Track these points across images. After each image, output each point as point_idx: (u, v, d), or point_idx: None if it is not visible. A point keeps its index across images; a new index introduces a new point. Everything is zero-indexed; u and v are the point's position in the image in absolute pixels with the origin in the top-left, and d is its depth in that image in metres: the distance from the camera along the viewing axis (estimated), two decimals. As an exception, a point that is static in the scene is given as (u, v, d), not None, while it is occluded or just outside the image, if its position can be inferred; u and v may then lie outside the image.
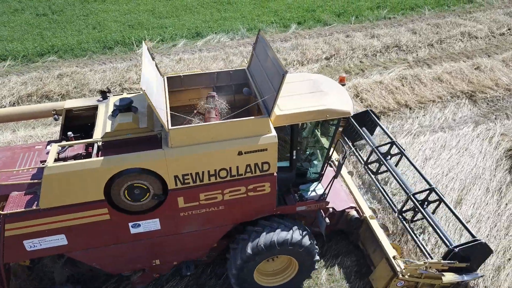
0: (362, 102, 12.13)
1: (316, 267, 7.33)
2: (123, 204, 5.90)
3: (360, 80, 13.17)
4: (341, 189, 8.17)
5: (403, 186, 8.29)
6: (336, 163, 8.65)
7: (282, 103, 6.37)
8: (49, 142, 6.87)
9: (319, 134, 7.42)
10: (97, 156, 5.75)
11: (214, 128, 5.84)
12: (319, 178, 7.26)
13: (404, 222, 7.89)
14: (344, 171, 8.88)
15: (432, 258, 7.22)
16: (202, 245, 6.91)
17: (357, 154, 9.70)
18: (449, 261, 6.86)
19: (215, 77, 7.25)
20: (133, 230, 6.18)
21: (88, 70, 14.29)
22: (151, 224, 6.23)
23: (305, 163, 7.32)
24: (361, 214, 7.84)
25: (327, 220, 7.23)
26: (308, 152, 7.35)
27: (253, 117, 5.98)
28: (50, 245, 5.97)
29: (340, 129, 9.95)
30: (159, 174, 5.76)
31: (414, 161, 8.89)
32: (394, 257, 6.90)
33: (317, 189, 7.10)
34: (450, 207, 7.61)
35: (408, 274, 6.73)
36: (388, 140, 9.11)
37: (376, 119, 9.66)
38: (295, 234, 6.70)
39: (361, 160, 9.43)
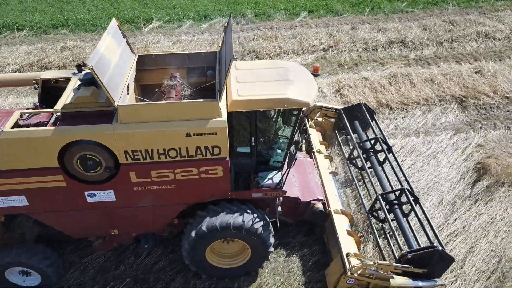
0: (341, 98, 11.70)
1: (269, 258, 7.42)
2: (77, 173, 6.19)
3: (347, 75, 12.68)
4: (312, 181, 8.15)
5: (373, 185, 8.08)
6: (317, 155, 8.78)
7: (243, 88, 6.47)
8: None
9: (281, 123, 7.30)
10: (53, 126, 6.00)
11: (163, 108, 5.92)
12: (280, 167, 7.19)
13: (371, 221, 7.66)
14: (323, 164, 8.70)
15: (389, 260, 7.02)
16: (157, 221, 7.12)
17: (342, 148, 9.41)
18: (402, 265, 6.60)
19: (186, 58, 7.41)
20: (89, 199, 6.47)
21: (90, 45, 14.90)
22: (106, 195, 6.49)
23: (270, 151, 7.30)
24: (327, 208, 7.74)
25: (280, 209, 7.24)
26: (270, 140, 7.28)
27: (202, 100, 6.01)
28: (12, 205, 6.38)
29: (332, 120, 9.96)
30: (109, 148, 5.99)
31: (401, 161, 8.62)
32: (347, 254, 6.77)
33: (275, 177, 7.06)
34: (423, 210, 7.31)
35: (358, 272, 6.58)
36: (381, 136, 8.89)
37: (366, 113, 9.35)
38: (251, 221, 6.75)
39: (345, 155, 9.22)
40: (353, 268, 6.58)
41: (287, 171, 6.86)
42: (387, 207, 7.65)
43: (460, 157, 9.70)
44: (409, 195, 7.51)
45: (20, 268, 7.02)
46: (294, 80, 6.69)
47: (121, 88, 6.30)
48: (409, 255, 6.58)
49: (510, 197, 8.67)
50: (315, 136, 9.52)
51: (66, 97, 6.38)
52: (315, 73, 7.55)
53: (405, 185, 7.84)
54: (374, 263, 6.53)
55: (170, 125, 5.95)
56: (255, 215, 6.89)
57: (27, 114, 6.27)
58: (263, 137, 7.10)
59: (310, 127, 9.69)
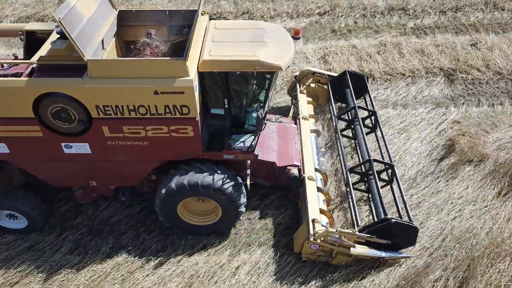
0: (324, 64, 11.42)
1: (240, 218, 7.64)
2: (53, 125, 6.41)
3: (336, 42, 12.31)
4: (292, 147, 8.21)
5: (367, 150, 7.92)
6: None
7: (216, 48, 6.49)
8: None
9: (255, 85, 7.22)
10: (28, 77, 6.20)
11: (131, 65, 6.01)
12: (256, 130, 7.06)
13: (349, 182, 7.51)
14: (306, 126, 8.69)
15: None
16: (132, 175, 7.35)
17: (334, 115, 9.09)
18: (367, 235, 6.70)
19: (167, 16, 7.42)
20: (66, 150, 6.73)
21: (87, -1, 14.92)
22: (82, 148, 6.75)
23: (245, 114, 7.31)
24: (302, 174, 7.78)
25: (249, 171, 7.33)
26: (245, 103, 7.27)
27: (168, 58, 6.10)
28: None
29: (325, 87, 9.76)
30: (81, 101, 6.15)
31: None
32: (313, 220, 6.85)
33: (247, 140, 7.13)
34: (400, 189, 7.22)
35: (321, 239, 6.68)
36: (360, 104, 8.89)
37: (349, 81, 9.22)
38: (220, 181, 6.91)
39: (334, 115, 9.02)
40: (316, 234, 6.66)
41: (257, 135, 6.90)
42: (365, 178, 7.70)
43: (433, 133, 9.44)
44: (395, 173, 7.34)
45: (7, 212, 7.47)
46: (269, 42, 6.63)
47: (94, 43, 6.40)
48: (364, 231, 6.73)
49: (473, 176, 8.44)
50: (304, 103, 9.41)
51: (44, 50, 6.54)
52: (295, 36, 7.31)
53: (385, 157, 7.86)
54: (337, 231, 6.59)
55: (138, 82, 6.03)
56: (226, 175, 7.02)
57: (5, 65, 6.49)
58: (238, 100, 7.10)
59: (300, 93, 9.58)
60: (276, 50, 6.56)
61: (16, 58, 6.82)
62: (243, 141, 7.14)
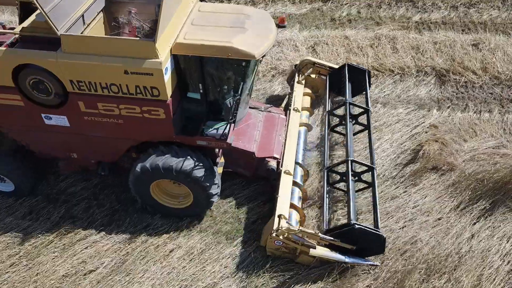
0: (312, 54, 11.05)
1: (211, 207, 7.72)
2: (32, 96, 6.54)
3: (329, 31, 11.87)
4: (274, 138, 8.13)
5: (350, 150, 7.77)
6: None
7: (192, 32, 6.45)
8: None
9: (230, 73, 7.13)
10: (9, 47, 6.32)
11: (103, 42, 6.05)
12: (231, 118, 7.08)
13: (325, 181, 7.46)
14: (295, 119, 8.47)
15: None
16: (109, 152, 7.45)
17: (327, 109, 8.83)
18: (330, 238, 6.56)
19: None
20: (46, 121, 6.88)
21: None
22: (61, 120, 6.88)
23: (221, 100, 7.21)
24: (280, 167, 7.64)
25: (219, 159, 7.46)
26: (221, 90, 7.21)
27: (138, 39, 6.12)
28: None
29: (323, 77, 9.48)
30: (55, 75, 6.25)
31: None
32: (279, 216, 6.72)
33: (221, 128, 7.02)
34: (375, 193, 7.05)
35: (284, 236, 6.58)
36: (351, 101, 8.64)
37: (346, 76, 8.85)
38: (193, 167, 6.88)
39: (326, 110, 8.85)
40: (279, 230, 6.55)
41: (230, 123, 6.85)
42: (343, 178, 7.52)
43: (406, 135, 9.01)
44: (374, 176, 7.16)
45: None
46: (249, 29, 6.50)
47: (71, 18, 6.43)
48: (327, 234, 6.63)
49: (436, 185, 8.03)
50: (299, 94, 9.12)
51: (28, 21, 6.65)
52: (280, 24, 7.06)
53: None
54: (299, 230, 6.47)
55: (109, 60, 6.05)
56: (200, 163, 6.98)
57: None
58: (213, 86, 6.98)
59: (298, 83, 9.28)
60: (253, 37, 6.41)
61: (3, 27, 7.02)
62: (217, 128, 7.03)
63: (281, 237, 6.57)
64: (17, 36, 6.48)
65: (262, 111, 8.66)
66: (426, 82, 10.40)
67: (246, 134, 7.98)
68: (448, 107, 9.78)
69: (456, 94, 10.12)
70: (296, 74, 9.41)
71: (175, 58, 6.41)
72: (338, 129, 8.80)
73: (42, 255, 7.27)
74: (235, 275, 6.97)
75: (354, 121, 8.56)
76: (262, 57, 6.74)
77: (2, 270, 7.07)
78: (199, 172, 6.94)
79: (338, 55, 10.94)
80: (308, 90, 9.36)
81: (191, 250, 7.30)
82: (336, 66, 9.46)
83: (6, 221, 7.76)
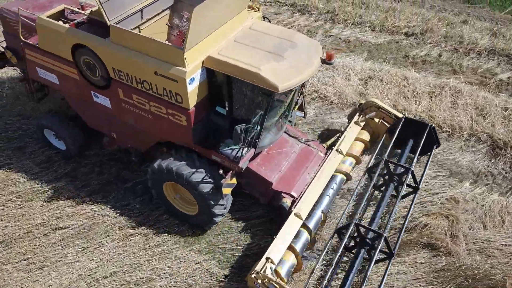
0: (359, 87, 10.36)
1: (213, 225, 7.62)
2: (84, 73, 7.22)
3: (390, 68, 11.00)
4: (300, 175, 7.66)
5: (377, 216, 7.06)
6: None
7: (229, 48, 6.47)
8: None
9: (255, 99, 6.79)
10: (75, 26, 7.06)
11: (142, 41, 6.36)
12: (251, 143, 6.89)
13: (328, 242, 6.88)
14: (333, 165, 7.75)
15: None
16: (139, 142, 7.89)
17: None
18: None
19: None
20: (94, 98, 7.51)
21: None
22: (105, 101, 7.43)
23: (246, 122, 6.69)
24: (289, 207, 7.18)
25: (231, 181, 7.07)
26: (247, 113, 6.90)
27: (170, 45, 6.29)
28: (49, 78, 7.88)
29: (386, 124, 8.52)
30: (102, 60, 6.78)
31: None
32: (267, 258, 6.33)
33: (237, 150, 6.84)
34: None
35: (261, 280, 6.18)
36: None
37: (425, 139, 7.93)
38: (196, 177, 6.85)
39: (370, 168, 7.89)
40: (258, 274, 6.16)
41: (242, 149, 6.66)
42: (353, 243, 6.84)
43: (417, 200, 7.97)
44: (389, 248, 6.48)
45: (53, 132, 8.75)
46: (286, 58, 6.33)
47: (128, 11, 6.93)
48: None
49: (421, 266, 7.01)
50: (351, 137, 8.37)
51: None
52: (328, 60, 6.70)
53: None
54: (275, 280, 6.06)
55: (143, 58, 6.37)
56: (211, 179, 6.90)
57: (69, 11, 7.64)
58: (239, 106, 6.89)
59: (355, 123, 8.54)
60: (286, 69, 6.21)
61: (82, 7, 7.85)
62: (233, 149, 6.89)
63: (259, 281, 6.18)
64: (85, 17, 7.22)
65: (301, 142, 8.18)
66: (475, 150, 9.04)
67: (272, 161, 7.65)
68: (487, 184, 8.38)
69: (505, 173, 8.61)
70: (357, 114, 8.69)
71: (208, 71, 6.46)
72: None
73: (34, 201, 8.21)
74: (174, 278, 7.04)
75: (396, 182, 7.60)
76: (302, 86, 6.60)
77: (1, 203, 8.18)
78: (206, 188, 6.88)
79: (386, 95, 10.09)
80: (365, 135, 8.53)
81: (148, 241, 7.55)
82: (400, 115, 8.46)
83: (24, 163, 8.91)
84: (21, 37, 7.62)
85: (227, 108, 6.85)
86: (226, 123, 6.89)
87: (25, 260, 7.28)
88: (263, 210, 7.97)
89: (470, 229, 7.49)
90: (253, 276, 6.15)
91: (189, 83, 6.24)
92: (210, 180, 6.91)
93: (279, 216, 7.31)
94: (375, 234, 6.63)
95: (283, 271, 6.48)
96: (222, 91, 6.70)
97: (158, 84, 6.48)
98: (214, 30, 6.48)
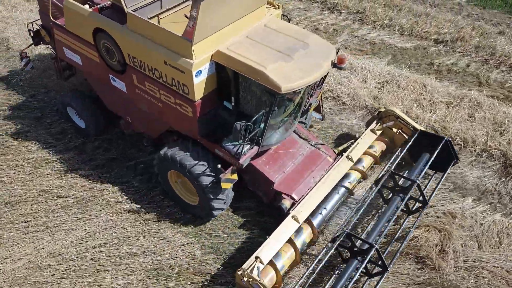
0: (376, 91, 10.12)
1: (212, 219, 7.68)
2: (103, 56, 7.51)
3: (411, 74, 10.64)
4: (304, 178, 7.50)
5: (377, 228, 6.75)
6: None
7: (239, 44, 6.49)
8: None
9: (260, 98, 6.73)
10: (98, 11, 7.30)
11: (155, 30, 6.52)
12: (255, 141, 6.90)
13: (325, 250, 6.70)
14: (340, 172, 7.51)
15: None
16: (150, 127, 8.10)
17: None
18: None
19: None
20: (112, 82, 7.80)
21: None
22: (121, 85, 7.70)
23: (251, 119, 6.51)
24: (288, 209, 7.05)
25: (231, 176, 6.99)
26: (252, 109, 6.85)
27: (179, 36, 6.24)
28: (74, 59, 8.29)
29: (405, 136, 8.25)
30: (119, 45, 7.03)
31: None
32: (256, 258, 6.28)
33: (241, 146, 6.75)
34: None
35: (246, 279, 6.12)
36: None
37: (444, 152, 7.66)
38: (198, 169, 6.89)
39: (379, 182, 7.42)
40: (245, 272, 6.11)
41: (242, 145, 6.60)
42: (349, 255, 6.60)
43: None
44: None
45: (75, 111, 9.07)
46: (295, 59, 6.29)
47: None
48: None
49: (403, 276, 6.85)
50: (364, 145, 8.04)
51: None
52: (339, 65, 6.53)
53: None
54: (258, 281, 6.01)
55: (154, 47, 6.53)
56: (212, 172, 6.92)
57: None
58: (244, 103, 6.88)
59: (371, 131, 8.26)
60: (293, 70, 6.15)
61: None
62: (235, 145, 6.80)
63: (245, 279, 6.12)
64: (109, 3, 7.45)
65: (310, 145, 7.99)
66: (486, 167, 8.63)
67: (278, 161, 7.56)
68: (491, 203, 7.99)
69: (514, 193, 8.21)
70: (375, 122, 8.39)
71: (217, 65, 6.49)
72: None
73: (42, 168, 8.70)
74: (157, 256, 7.26)
75: (404, 196, 7.17)
76: (318, 83, 6.66)
77: (12, 167, 8.73)
78: (206, 180, 6.92)
79: (401, 101, 9.81)
80: (380, 146, 8.25)
81: (139, 218, 7.82)
82: (420, 127, 8.14)
83: (39, 132, 9.44)
84: (51, 17, 8.06)
85: (233, 104, 6.90)
86: (232, 118, 6.85)
87: (25, 222, 7.76)
88: (253, 202, 8.03)
89: (462, 246, 7.21)
90: (239, 273, 6.13)
91: (196, 76, 6.29)
92: (212, 173, 6.94)
93: (277, 216, 7.12)
94: (368, 245, 6.38)
95: (278, 266, 6.45)
96: (229, 86, 6.73)
97: (168, 74, 6.59)
98: (226, 24, 6.49)
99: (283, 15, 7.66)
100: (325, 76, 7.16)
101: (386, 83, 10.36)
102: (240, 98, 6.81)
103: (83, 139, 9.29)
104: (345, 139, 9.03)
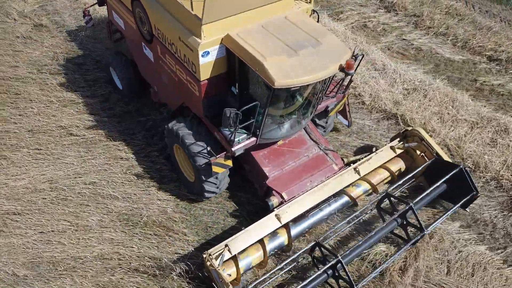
0: (401, 96, 9.65)
1: (204, 199, 7.77)
2: (138, 24, 7.89)
3: (441, 85, 9.98)
4: (301, 181, 7.31)
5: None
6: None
7: (251, 31, 6.45)
8: None
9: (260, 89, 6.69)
10: None
11: (173, 3, 6.66)
12: (251, 131, 6.88)
13: (298, 254, 6.53)
14: (342, 182, 7.25)
15: None
16: (170, 100, 8.30)
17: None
18: None
19: None
20: (143, 50, 8.21)
21: None
22: (150, 54, 8.02)
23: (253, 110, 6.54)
24: (274, 207, 6.97)
25: (225, 162, 7.02)
26: (254, 98, 6.75)
27: (192, 13, 6.32)
28: (120, 24, 8.89)
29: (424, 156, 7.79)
30: (148, 15, 7.34)
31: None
32: (225, 245, 6.27)
33: (237, 133, 6.70)
34: None
35: (209, 263, 6.14)
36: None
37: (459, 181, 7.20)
38: (195, 148, 7.02)
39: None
40: (208, 256, 6.17)
41: (233, 132, 6.55)
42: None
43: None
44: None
45: (115, 72, 9.71)
46: (300, 55, 6.16)
47: None
48: None
49: None
50: (377, 161, 7.64)
51: None
52: (347, 70, 6.45)
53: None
54: (217, 269, 6.00)
55: (172, 21, 6.74)
56: (208, 154, 6.97)
57: None
58: (247, 91, 6.87)
59: (390, 147, 7.84)
60: (294, 66, 6.04)
61: None
62: (232, 132, 6.65)
63: (208, 263, 6.15)
64: None
65: (319, 148, 7.75)
66: (491, 196, 7.96)
67: (279, 157, 7.47)
68: (480, 234, 7.39)
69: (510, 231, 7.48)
70: (398, 140, 7.97)
71: (227, 49, 6.49)
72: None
73: (67, 107, 9.68)
74: (133, 204, 7.80)
75: (401, 221, 6.92)
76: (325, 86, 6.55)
77: (44, 102, 9.79)
78: (201, 161, 7.00)
79: (422, 111, 9.28)
80: (399, 165, 7.85)
81: (131, 168, 8.43)
82: (446, 157, 7.67)
83: (75, 76, 10.46)
84: None
85: (237, 90, 6.92)
86: (236, 104, 6.86)
87: (38, 150, 8.76)
88: (250, 193, 8.03)
89: (427, 267, 6.82)
90: (204, 256, 6.19)
91: (202, 56, 6.35)
92: (207, 155, 6.99)
93: (265, 212, 6.97)
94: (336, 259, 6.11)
95: (242, 263, 6.42)
96: (234, 71, 6.76)
97: (181, 50, 6.73)
98: (241, 10, 6.42)
99: (313, 11, 7.44)
100: (349, 82, 7.39)
101: (413, 91, 9.86)
102: (243, 85, 6.81)
103: (110, 89, 10.16)
104: (364, 150, 8.58)
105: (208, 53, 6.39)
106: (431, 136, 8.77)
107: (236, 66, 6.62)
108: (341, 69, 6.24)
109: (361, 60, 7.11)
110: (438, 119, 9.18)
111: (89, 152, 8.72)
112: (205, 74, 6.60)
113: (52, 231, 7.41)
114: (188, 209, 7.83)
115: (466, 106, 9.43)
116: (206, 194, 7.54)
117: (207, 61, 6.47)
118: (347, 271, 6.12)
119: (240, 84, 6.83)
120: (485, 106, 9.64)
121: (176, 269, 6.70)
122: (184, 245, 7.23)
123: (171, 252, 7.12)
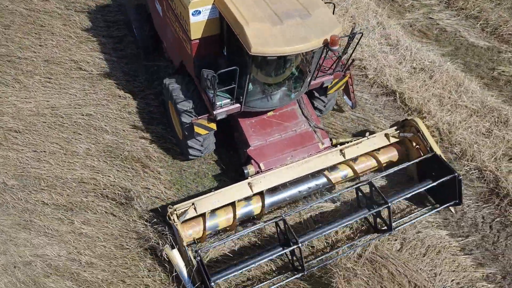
0: (407, 80, 9.36)
1: (189, 158, 7.84)
2: None
3: (454, 75, 9.49)
4: (281, 154, 7.30)
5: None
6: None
7: None
8: None
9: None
10: None
11: None
12: (232, 95, 6.84)
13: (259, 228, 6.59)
14: (325, 161, 7.19)
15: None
16: (173, 56, 8.50)
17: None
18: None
19: None
20: (156, 5, 8.39)
21: None
22: (159, 8, 8.27)
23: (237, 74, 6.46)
24: (250, 175, 7.01)
25: (208, 124, 7.07)
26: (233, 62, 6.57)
27: None
28: None
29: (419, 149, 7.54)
30: None
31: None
32: (192, 203, 6.42)
33: (221, 96, 6.81)
34: None
35: (171, 216, 6.31)
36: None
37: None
38: (181, 106, 7.14)
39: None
40: (172, 210, 6.33)
41: (214, 94, 6.58)
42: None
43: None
44: None
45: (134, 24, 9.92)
46: (285, 24, 6.00)
47: None
48: None
49: None
50: (367, 146, 7.45)
51: None
52: (331, 46, 5.96)
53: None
54: (175, 222, 6.20)
55: None
56: (195, 113, 7.08)
57: None
58: (233, 55, 6.78)
59: (384, 135, 7.63)
60: (276, 34, 5.91)
61: None
62: (216, 94, 6.66)
63: (171, 216, 6.28)
64: None
65: (309, 125, 7.67)
66: (470, 185, 7.71)
67: (266, 128, 7.45)
68: (445, 219, 7.28)
69: (478, 223, 7.26)
70: (395, 128, 7.75)
71: (219, 11, 6.45)
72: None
73: (83, 44, 10.23)
74: (114, 137, 8.33)
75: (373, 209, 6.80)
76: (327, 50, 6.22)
77: (63, 36, 10.40)
78: (186, 119, 7.11)
79: (423, 91, 8.97)
80: (391, 154, 7.64)
81: (126, 107, 8.92)
82: (439, 152, 7.34)
83: (97, 16, 10.97)
84: None
85: (225, 53, 6.93)
86: (224, 64, 6.78)
87: (48, 78, 9.48)
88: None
89: (380, 240, 6.86)
90: (169, 210, 6.32)
91: (193, 14, 6.38)
92: (194, 114, 7.10)
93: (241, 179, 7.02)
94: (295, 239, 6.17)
95: (209, 223, 6.57)
96: (224, 35, 6.76)
97: (178, 7, 6.84)
98: None
99: None
100: (351, 61, 7.30)
101: (420, 70, 9.53)
102: (230, 49, 6.80)
103: (126, 32, 10.63)
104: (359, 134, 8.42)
105: (199, 12, 6.40)
106: (425, 117, 8.61)
107: (224, 28, 6.63)
108: (325, 44, 6.03)
109: (360, 39, 6.95)
110: (437, 101, 8.87)
111: (92, 87, 9.32)
112: (196, 33, 6.60)
113: (44, 151, 8.15)
114: (167, 150, 8.27)
115: (472, 93, 9.00)
116: (191, 152, 7.59)
117: (198, 20, 6.46)
118: (302, 253, 6.17)
119: (228, 48, 6.84)
120: (493, 96, 9.15)
121: (139, 201, 7.25)
122: (156, 182, 7.72)
123: (142, 186, 7.65)
